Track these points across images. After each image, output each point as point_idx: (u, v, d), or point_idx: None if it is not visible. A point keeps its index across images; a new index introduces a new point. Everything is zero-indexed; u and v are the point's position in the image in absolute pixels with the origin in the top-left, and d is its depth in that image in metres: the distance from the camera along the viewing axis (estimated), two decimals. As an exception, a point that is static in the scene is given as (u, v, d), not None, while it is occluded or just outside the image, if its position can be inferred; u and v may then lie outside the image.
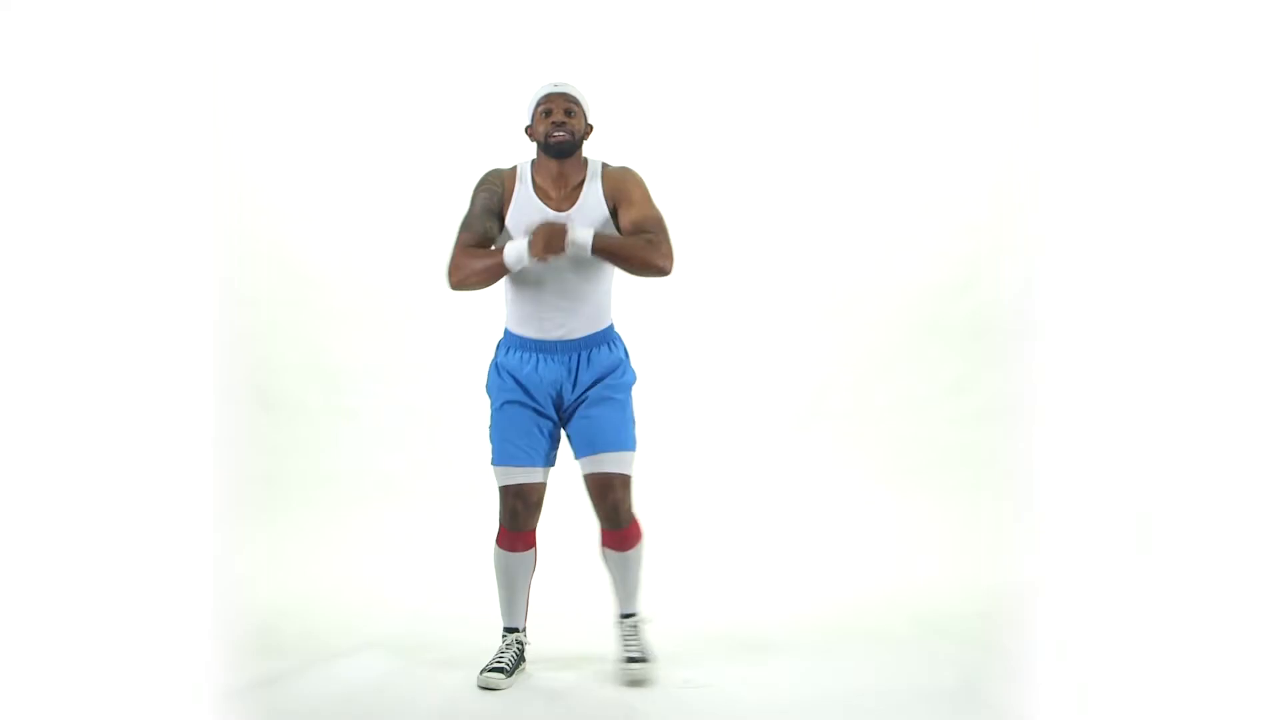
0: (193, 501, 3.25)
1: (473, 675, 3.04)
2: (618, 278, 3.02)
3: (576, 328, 2.97)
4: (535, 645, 3.14)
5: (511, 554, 3.03)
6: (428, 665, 3.15)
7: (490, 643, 3.22)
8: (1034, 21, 4.11)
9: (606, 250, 2.87)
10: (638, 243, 2.89)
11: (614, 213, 2.96)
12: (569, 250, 2.84)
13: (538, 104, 3.01)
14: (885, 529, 4.27)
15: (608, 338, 3.03)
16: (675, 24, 4.70)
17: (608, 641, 3.14)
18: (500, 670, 2.97)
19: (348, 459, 4.49)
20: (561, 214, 2.94)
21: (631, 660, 3.01)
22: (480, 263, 2.90)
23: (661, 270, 2.89)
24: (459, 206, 4.64)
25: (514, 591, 3.08)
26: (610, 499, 2.97)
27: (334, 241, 4.63)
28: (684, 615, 3.51)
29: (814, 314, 4.62)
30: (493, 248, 2.95)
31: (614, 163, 3.05)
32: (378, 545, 4.22)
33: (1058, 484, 3.12)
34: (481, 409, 4.58)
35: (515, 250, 2.85)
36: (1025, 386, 3.91)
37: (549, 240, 2.82)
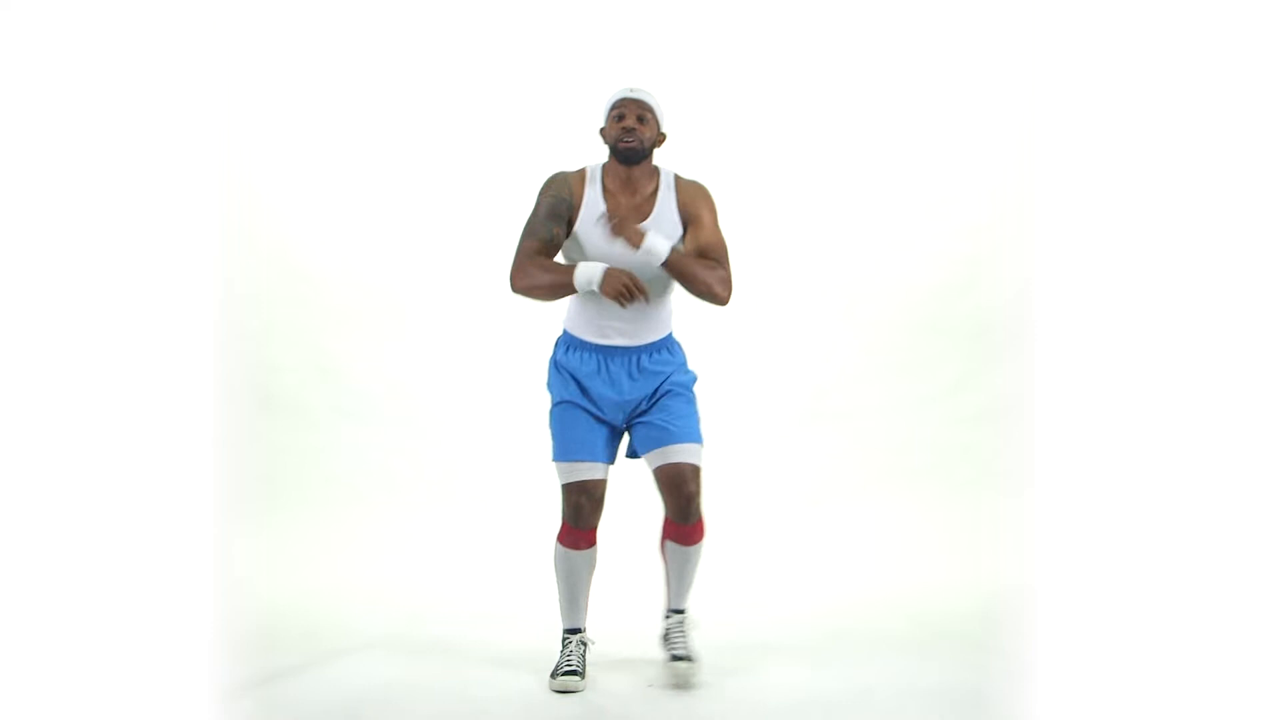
0: (193, 501, 3.25)
1: (472, 675, 3.04)
2: (677, 291, 3.01)
3: (637, 335, 2.98)
4: (536, 645, 3.15)
5: (575, 552, 2.97)
6: (427, 665, 3.15)
7: (490, 642, 3.23)
8: (1033, 22, 4.11)
9: (676, 267, 2.86)
10: (705, 267, 2.89)
11: (685, 228, 2.97)
12: (640, 253, 2.82)
13: (612, 107, 3.01)
14: (885, 529, 4.28)
15: (667, 344, 3.04)
16: (676, 26, 4.71)
17: (609, 644, 3.14)
18: (574, 673, 2.94)
19: (348, 459, 4.50)
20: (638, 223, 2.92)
21: (677, 658, 2.99)
22: (548, 276, 2.85)
23: (721, 300, 2.91)
24: (459, 206, 4.68)
25: (576, 591, 3.03)
26: (686, 490, 2.92)
27: (335, 242, 4.63)
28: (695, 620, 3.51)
29: (814, 314, 4.63)
30: (559, 257, 2.93)
31: (686, 175, 3.04)
32: (378, 545, 4.22)
33: (1058, 484, 3.12)
34: (482, 408, 4.61)
35: (586, 275, 2.81)
36: (1025, 386, 3.91)
37: (626, 230, 2.81)
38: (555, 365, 3.05)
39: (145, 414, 2.97)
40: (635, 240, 2.82)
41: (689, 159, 4.66)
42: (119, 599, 2.79)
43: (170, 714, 2.73)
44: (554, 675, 2.94)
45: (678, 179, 3.02)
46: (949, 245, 4.58)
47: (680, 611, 3.09)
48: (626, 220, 2.85)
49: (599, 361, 2.98)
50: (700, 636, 3.14)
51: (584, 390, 2.98)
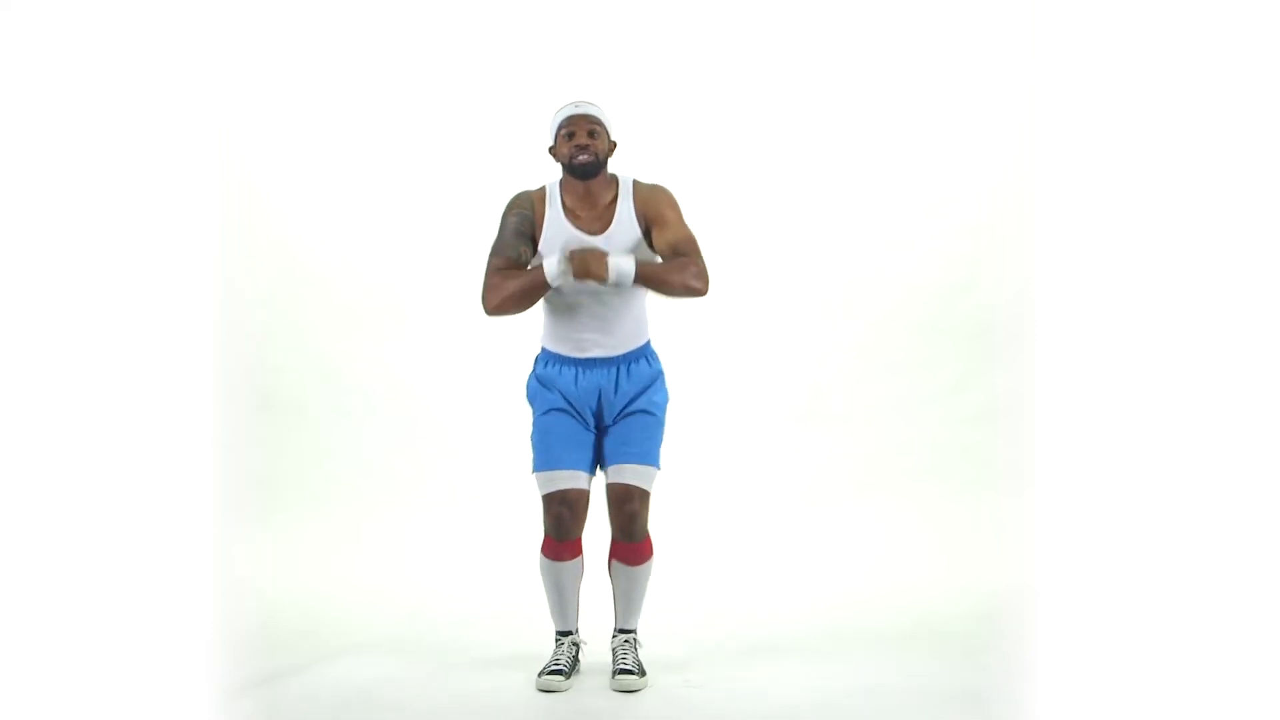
0: (194, 501, 3.25)
1: (472, 676, 3.04)
2: (650, 294, 3.01)
3: (614, 346, 2.97)
4: (536, 645, 3.15)
5: (558, 564, 2.99)
6: (427, 665, 3.15)
7: (489, 642, 3.23)
8: (1033, 23, 4.11)
9: (647, 278, 2.86)
10: (675, 267, 2.88)
11: (646, 232, 2.94)
12: (610, 278, 2.82)
13: (560, 126, 2.98)
14: (885, 529, 4.27)
15: (645, 353, 3.03)
16: (675, 27, 4.70)
17: (605, 645, 3.13)
18: (559, 672, 2.96)
19: (348, 459, 4.49)
20: (596, 237, 2.91)
21: (623, 671, 2.97)
22: (517, 284, 2.86)
23: (698, 293, 2.89)
24: (459, 207, 4.67)
25: (564, 598, 3.04)
26: (628, 509, 2.94)
27: (335, 242, 4.63)
28: (684, 615, 3.52)
29: (814, 314, 4.62)
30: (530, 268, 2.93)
31: (645, 179, 3.02)
32: (378, 545, 4.22)
33: (1058, 484, 3.12)
34: (481, 407, 4.60)
35: (552, 269, 2.83)
36: (1025, 386, 3.91)
37: (589, 266, 2.81)
38: (536, 379, 3.04)
39: (146, 414, 2.97)
40: (601, 274, 2.81)
41: (690, 159, 4.68)
42: (120, 599, 2.79)
43: (170, 714, 2.73)
44: (540, 674, 2.96)
45: (635, 184, 2.99)
46: (949, 245, 4.58)
47: (628, 631, 3.06)
48: (587, 257, 2.82)
49: (577, 372, 2.97)
50: (700, 636, 3.14)
51: (568, 400, 2.98)
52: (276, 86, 4.61)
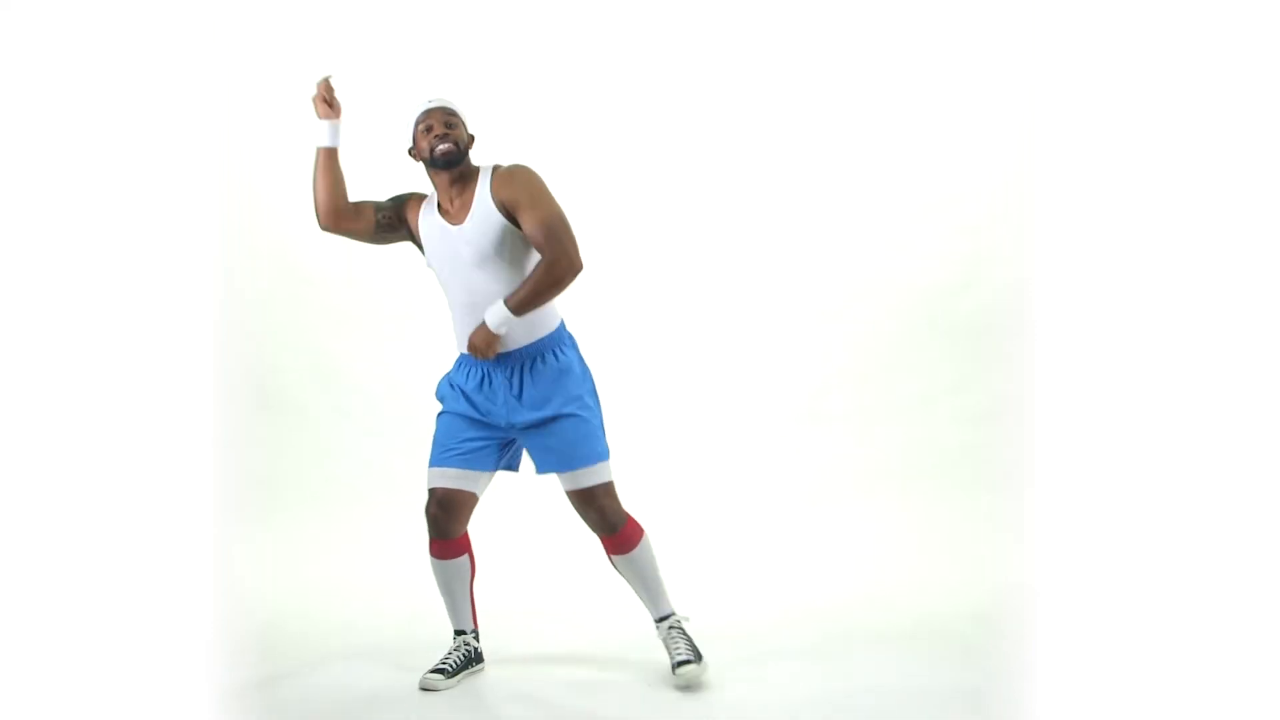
0: (193, 502, 3.25)
1: (472, 676, 3.04)
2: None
3: (510, 340, 2.89)
4: (535, 645, 3.14)
5: (439, 561, 3.04)
6: (427, 666, 3.15)
7: (487, 643, 3.22)
8: (1033, 23, 4.11)
9: (525, 303, 2.80)
10: (541, 274, 2.78)
11: (511, 218, 2.85)
12: (502, 334, 2.82)
13: (416, 123, 3.00)
14: (885, 529, 4.27)
15: (552, 344, 2.93)
16: (678, 24, 4.70)
17: (607, 645, 3.13)
18: (441, 672, 2.98)
19: (348, 459, 4.49)
20: (457, 228, 2.88)
21: (682, 664, 2.94)
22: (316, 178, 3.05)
23: (575, 274, 2.80)
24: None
25: (454, 597, 3.08)
26: (595, 507, 2.94)
27: (335, 242, 4.61)
28: (684, 615, 3.51)
29: (814, 314, 4.62)
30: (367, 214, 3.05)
31: (506, 162, 2.95)
32: (378, 546, 4.21)
33: (1057, 484, 3.12)
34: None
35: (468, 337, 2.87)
36: (1025, 386, 3.91)
37: (488, 349, 2.83)
38: (448, 380, 3.04)
39: (146, 414, 2.97)
40: (494, 346, 2.83)
41: (690, 159, 4.68)
42: (120, 599, 2.79)
43: (170, 714, 2.73)
44: (425, 672, 2.98)
45: (494, 170, 2.93)
46: (948, 245, 4.58)
47: (666, 617, 3.05)
48: (478, 344, 2.84)
49: (483, 373, 2.94)
50: (700, 636, 3.14)
51: (471, 403, 2.95)
52: (277, 87, 4.60)
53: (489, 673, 3.09)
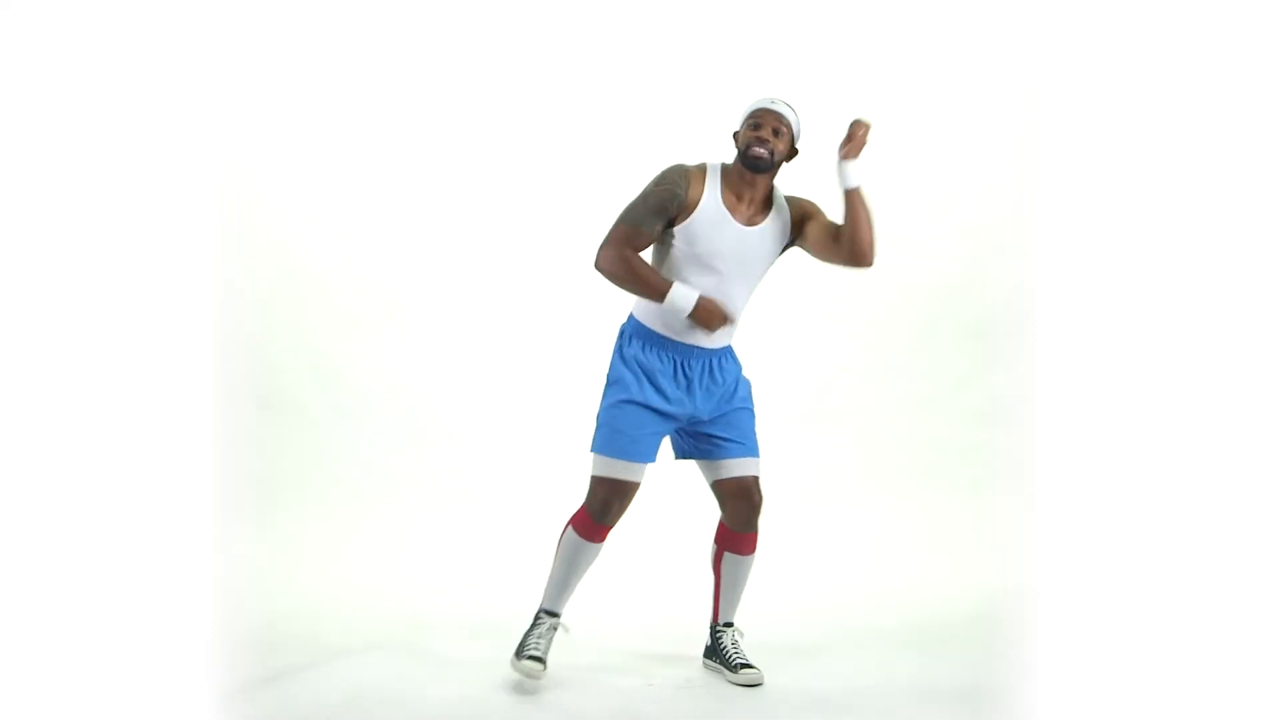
0: (193, 502, 3.25)
1: (472, 676, 3.03)
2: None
3: (718, 340, 2.99)
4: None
5: (587, 543, 2.95)
6: (427, 666, 3.15)
7: (488, 643, 3.22)
8: (1033, 23, 4.11)
9: (868, 228, 3.05)
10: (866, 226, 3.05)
11: (791, 241, 3.05)
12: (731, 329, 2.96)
13: (749, 115, 3.02)
14: (885, 529, 4.27)
15: (732, 350, 3.07)
16: (677, 24, 4.70)
17: (612, 644, 3.13)
18: (540, 659, 2.89)
19: (348, 459, 4.49)
20: (750, 228, 2.94)
21: (745, 666, 3.00)
22: (638, 272, 2.84)
23: (869, 261, 3.08)
24: (459, 207, 4.67)
25: (571, 579, 2.99)
26: (753, 500, 2.98)
27: (335, 242, 4.63)
28: (684, 616, 3.51)
29: (815, 314, 4.62)
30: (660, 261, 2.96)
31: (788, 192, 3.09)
32: (378, 546, 4.21)
33: (1058, 484, 3.12)
34: (482, 409, 4.60)
35: (678, 301, 2.84)
36: (1025, 386, 3.91)
37: (713, 322, 2.88)
38: (623, 359, 2.96)
39: (145, 414, 2.97)
40: (723, 321, 2.91)
41: (690, 158, 4.68)
42: (120, 599, 2.79)
43: (171, 714, 2.73)
44: (519, 655, 2.91)
45: (788, 199, 3.06)
46: (949, 245, 4.58)
47: (731, 624, 3.12)
48: (714, 317, 2.89)
49: (676, 363, 2.94)
50: (699, 635, 3.14)
51: (658, 389, 2.93)
52: (277, 87, 4.61)
53: (485, 673, 3.08)
